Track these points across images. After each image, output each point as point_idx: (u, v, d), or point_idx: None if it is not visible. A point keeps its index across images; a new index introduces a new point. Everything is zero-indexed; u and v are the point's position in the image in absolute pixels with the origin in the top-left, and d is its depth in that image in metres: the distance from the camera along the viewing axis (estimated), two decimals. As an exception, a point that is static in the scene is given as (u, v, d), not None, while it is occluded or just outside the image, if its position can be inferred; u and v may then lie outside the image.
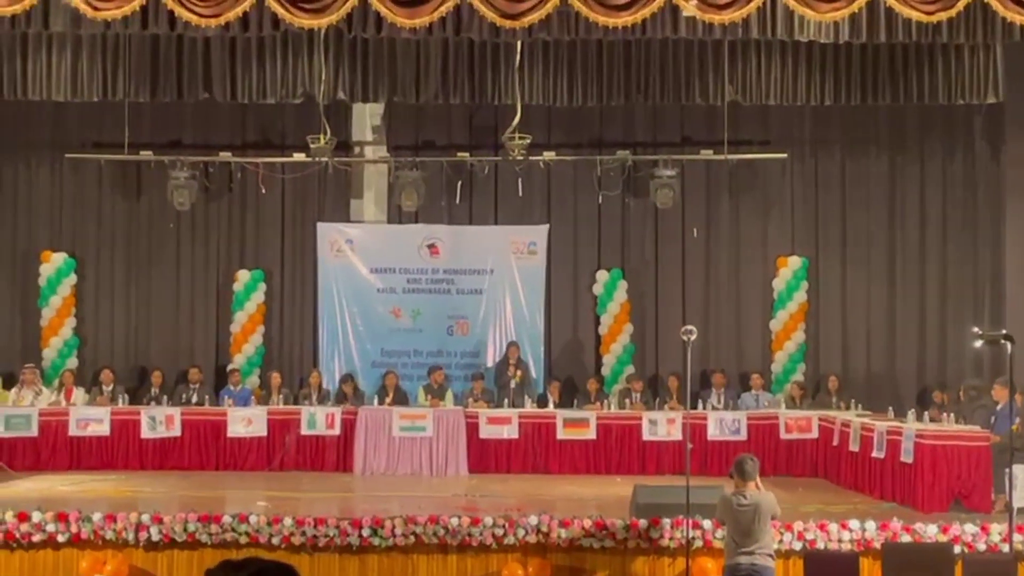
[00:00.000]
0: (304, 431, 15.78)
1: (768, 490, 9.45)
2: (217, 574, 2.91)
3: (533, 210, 18.02)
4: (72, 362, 17.69)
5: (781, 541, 10.64)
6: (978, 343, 15.23)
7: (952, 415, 13.26)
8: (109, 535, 10.96)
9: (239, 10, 13.20)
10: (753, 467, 9.30)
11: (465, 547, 10.97)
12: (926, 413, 13.83)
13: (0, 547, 11.02)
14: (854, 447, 13.95)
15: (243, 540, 10.94)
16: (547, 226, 17.87)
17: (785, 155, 17.47)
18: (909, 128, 17.91)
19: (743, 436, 15.55)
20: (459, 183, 17.58)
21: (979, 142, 17.70)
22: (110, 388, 16.60)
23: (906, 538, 10.78)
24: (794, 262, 17.79)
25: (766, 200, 18.13)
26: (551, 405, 16.43)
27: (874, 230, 18.01)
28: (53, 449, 15.59)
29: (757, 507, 9.03)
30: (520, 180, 17.19)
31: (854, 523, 10.91)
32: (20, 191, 18.30)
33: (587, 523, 10.94)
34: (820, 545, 10.81)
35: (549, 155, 17.05)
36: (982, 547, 10.78)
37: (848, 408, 16.03)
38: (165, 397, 16.43)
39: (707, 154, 17.18)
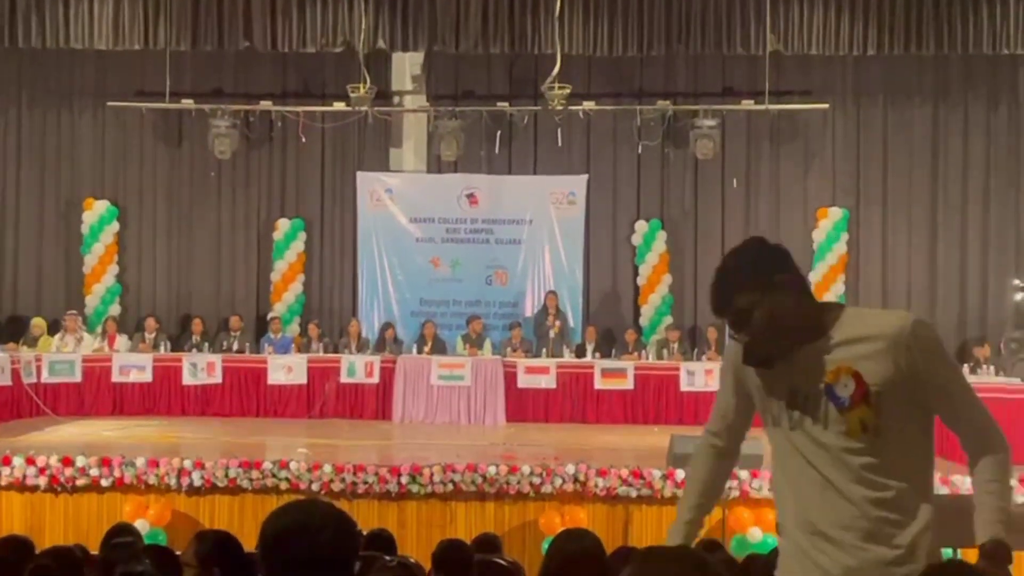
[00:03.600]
0: (343, 379, 15.89)
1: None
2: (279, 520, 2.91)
3: (572, 160, 17.98)
4: (114, 309, 17.84)
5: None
6: (1020, 295, 15.15)
7: (992, 367, 13.20)
8: (152, 480, 11.10)
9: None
10: None
11: (503, 495, 11.05)
12: (966, 365, 13.77)
13: (45, 491, 11.18)
14: (892, 399, 13.90)
15: (283, 486, 11.06)
16: (586, 176, 17.83)
17: (827, 105, 17.35)
18: (953, 78, 17.74)
19: (781, 387, 15.54)
20: (498, 133, 17.56)
21: (1023, 92, 17.51)
22: (152, 335, 16.77)
23: (943, 490, 10.77)
24: (835, 213, 17.70)
25: (807, 151, 18.03)
26: (589, 350, 16.48)
27: (916, 181, 17.88)
28: (96, 395, 15.77)
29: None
30: (560, 130, 17.14)
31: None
32: (63, 139, 18.42)
33: (624, 472, 10.99)
34: (857, 496, 10.82)
35: (589, 105, 16.99)
36: (1020, 500, 10.77)
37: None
38: (206, 344, 16.58)
39: (748, 104, 17.07)
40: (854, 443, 3.32)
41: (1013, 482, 10.84)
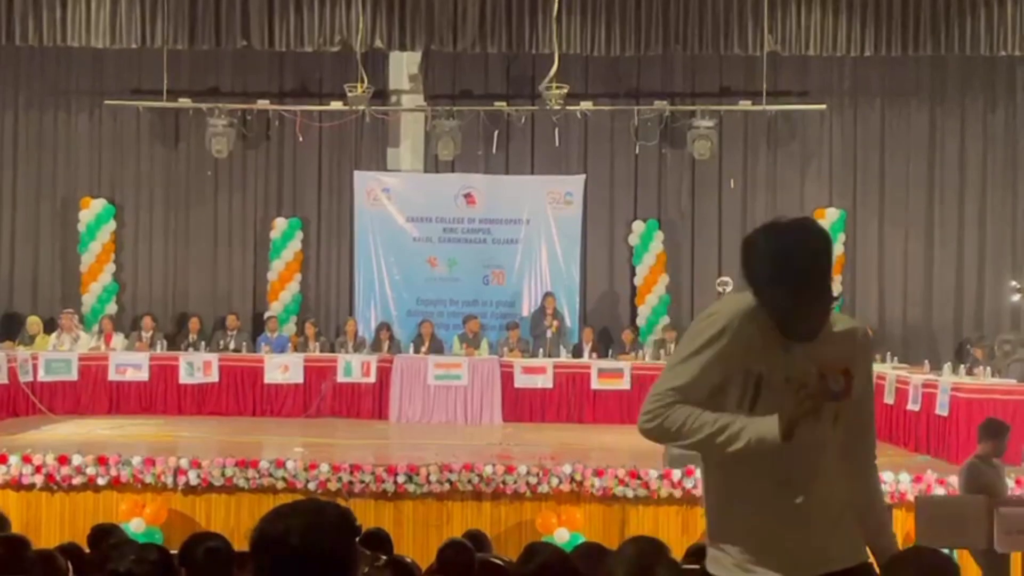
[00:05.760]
0: (340, 379, 15.88)
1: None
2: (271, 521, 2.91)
3: (570, 160, 17.98)
4: (111, 308, 17.82)
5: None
6: (1016, 297, 15.15)
7: (988, 369, 13.21)
8: (148, 479, 11.12)
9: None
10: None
11: (499, 495, 11.07)
12: (962, 366, 13.77)
13: (41, 489, 11.20)
14: (889, 400, 13.93)
15: (280, 485, 11.08)
16: (583, 176, 17.82)
17: (824, 106, 17.35)
18: (950, 79, 17.74)
19: (777, 387, 15.50)
20: (496, 132, 17.55)
21: (1020, 94, 17.55)
22: (149, 334, 16.76)
23: (940, 491, 10.79)
24: (831, 214, 17.69)
25: (804, 151, 18.02)
26: (585, 351, 16.49)
27: (913, 182, 17.88)
28: (93, 393, 15.76)
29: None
30: (557, 130, 17.14)
31: (888, 475, 10.92)
32: (60, 137, 18.40)
33: (621, 472, 11.00)
34: (853, 497, 10.81)
35: (586, 105, 17.00)
36: (1017, 501, 10.78)
37: (884, 361, 15.97)
38: (203, 343, 16.56)
39: (745, 105, 17.08)
40: (830, 435, 3.44)
41: (1011, 483, 10.88)
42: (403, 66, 17.73)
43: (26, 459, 11.21)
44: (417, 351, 16.29)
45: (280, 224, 18.11)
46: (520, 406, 15.76)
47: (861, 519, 3.56)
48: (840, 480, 3.49)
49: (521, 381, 15.78)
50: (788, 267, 3.35)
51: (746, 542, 3.45)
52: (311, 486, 11.04)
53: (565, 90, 16.30)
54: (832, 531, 3.44)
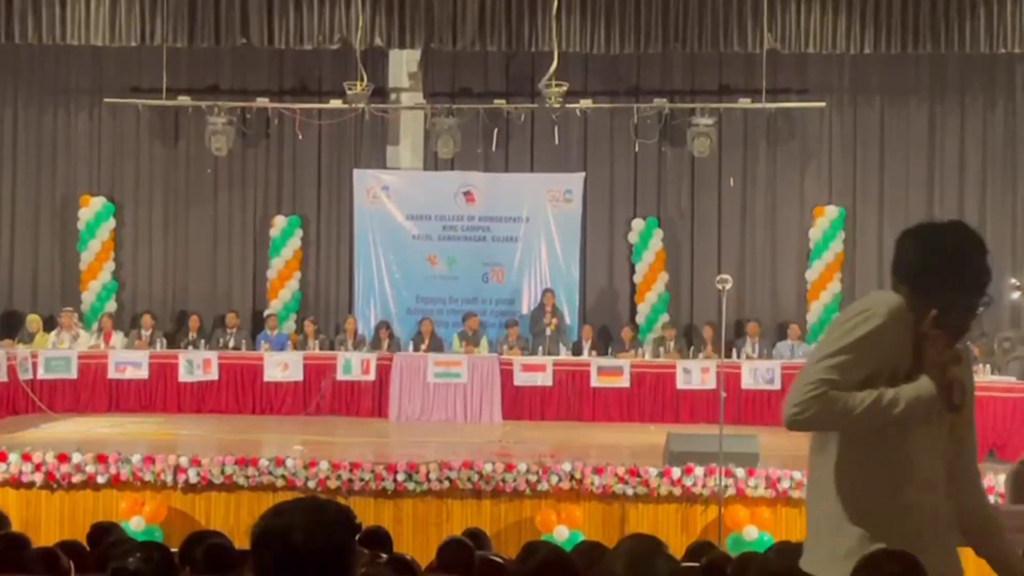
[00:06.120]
0: (340, 376, 15.89)
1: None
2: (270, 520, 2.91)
3: (569, 158, 17.97)
4: (111, 306, 17.83)
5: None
6: (1016, 294, 15.15)
7: (987, 366, 13.22)
8: (148, 477, 11.11)
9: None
10: None
11: (499, 492, 11.06)
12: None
13: (40, 487, 11.19)
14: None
15: (280, 483, 11.08)
16: (583, 174, 17.82)
17: (823, 104, 17.34)
18: (950, 77, 17.73)
19: (777, 385, 15.52)
20: (495, 130, 17.56)
21: (1020, 93, 17.54)
22: (148, 332, 16.76)
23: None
24: (831, 212, 17.69)
25: (804, 149, 18.02)
26: (585, 349, 16.50)
27: (912, 180, 17.87)
28: (92, 391, 15.77)
29: None
30: (556, 128, 17.13)
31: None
32: (59, 136, 18.40)
33: (620, 470, 11.00)
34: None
35: (586, 103, 16.99)
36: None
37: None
38: (203, 341, 16.57)
39: (745, 103, 17.08)
40: (946, 446, 3.49)
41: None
42: (403, 64, 17.73)
43: (26, 457, 11.20)
44: (417, 349, 16.30)
45: (280, 222, 18.12)
46: (520, 404, 15.76)
47: (972, 523, 3.56)
48: (946, 496, 3.50)
49: (521, 379, 15.79)
50: (938, 267, 3.45)
51: (881, 536, 3.45)
52: (311, 484, 11.03)
53: (565, 88, 16.30)
54: (949, 540, 3.48)
